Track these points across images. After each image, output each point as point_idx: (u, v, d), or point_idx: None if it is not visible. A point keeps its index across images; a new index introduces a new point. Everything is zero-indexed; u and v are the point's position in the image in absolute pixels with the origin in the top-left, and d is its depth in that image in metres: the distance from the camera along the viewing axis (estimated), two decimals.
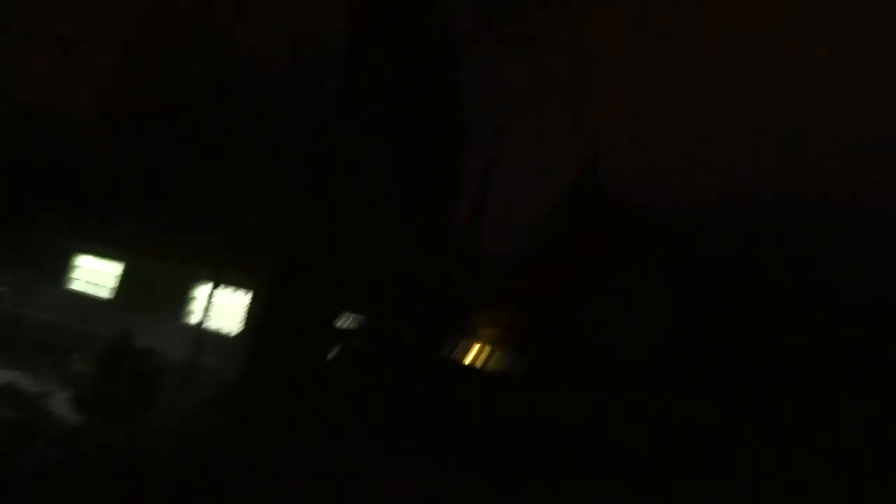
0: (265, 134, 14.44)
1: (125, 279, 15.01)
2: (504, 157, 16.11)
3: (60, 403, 10.41)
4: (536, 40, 11.22)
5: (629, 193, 15.39)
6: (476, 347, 11.78)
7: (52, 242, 14.90)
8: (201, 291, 14.29)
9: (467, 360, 11.96)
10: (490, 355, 11.99)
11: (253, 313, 13.46)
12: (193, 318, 14.20)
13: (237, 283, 13.94)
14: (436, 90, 12.65)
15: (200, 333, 13.15)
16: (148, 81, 16.59)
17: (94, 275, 15.41)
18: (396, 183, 11.24)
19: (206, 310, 13.40)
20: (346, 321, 11.99)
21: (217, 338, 13.66)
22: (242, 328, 13.83)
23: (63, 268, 15.38)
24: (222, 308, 14.06)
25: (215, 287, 13.48)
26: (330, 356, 11.52)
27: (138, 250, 14.78)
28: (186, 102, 15.34)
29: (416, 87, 11.66)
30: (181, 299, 14.39)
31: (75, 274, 15.50)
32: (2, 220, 14.89)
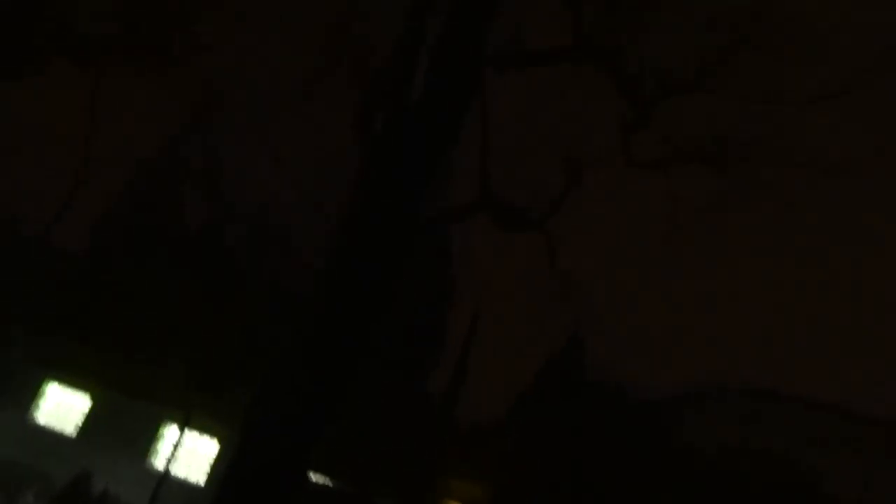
0: (253, 277, 14.79)
1: (92, 413, 14.56)
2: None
3: None
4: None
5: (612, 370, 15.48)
6: None
7: (18, 368, 14.56)
8: (169, 433, 13.95)
9: None
10: None
11: (220, 464, 13.06)
12: (158, 462, 13.77)
13: (206, 428, 13.64)
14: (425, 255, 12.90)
15: (164, 480, 12.66)
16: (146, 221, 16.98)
17: (60, 407, 14.97)
18: (377, 335, 11.26)
19: (172, 454, 13.00)
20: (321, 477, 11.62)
21: (180, 486, 13.16)
22: (207, 479, 13.36)
23: (27, 397, 14.93)
24: (189, 453, 13.68)
25: (183, 430, 13.16)
26: None
27: (108, 383, 14.44)
28: (180, 243, 15.66)
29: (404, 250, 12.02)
30: (147, 440, 13.97)
31: (40, 404, 15.06)
32: None
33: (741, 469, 14.25)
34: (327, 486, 11.79)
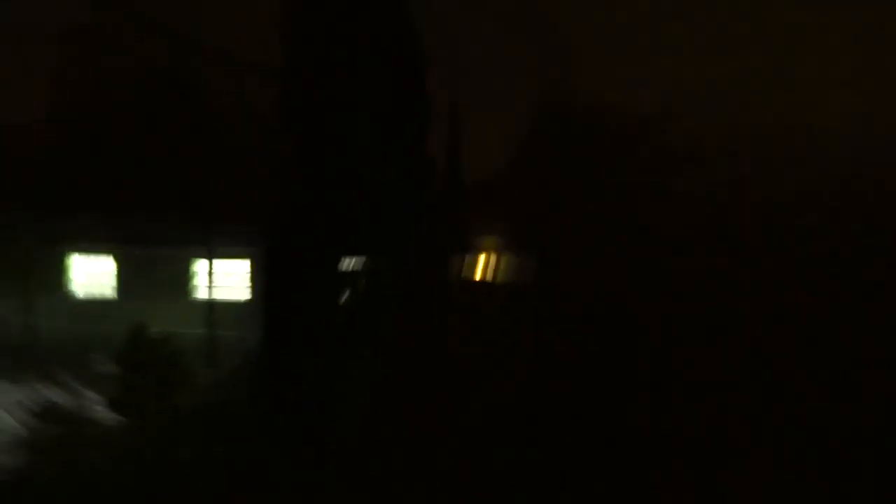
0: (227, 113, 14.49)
1: (121, 272, 15.21)
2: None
3: (94, 408, 10.84)
4: None
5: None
6: (481, 261, 11.94)
7: (43, 249, 15.00)
8: (200, 267, 14.59)
9: (479, 276, 12.09)
10: (498, 264, 12.13)
11: (255, 279, 13.76)
12: (198, 295, 14.45)
13: (233, 253, 14.16)
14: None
15: (211, 309, 13.47)
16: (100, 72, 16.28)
17: (93, 274, 15.60)
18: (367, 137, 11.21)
19: (210, 284, 13.67)
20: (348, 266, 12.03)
21: (227, 309, 13.97)
22: (249, 295, 14.13)
23: (61, 273, 15.58)
24: (225, 278, 14.35)
25: (212, 260, 13.71)
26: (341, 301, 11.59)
27: (130, 241, 14.86)
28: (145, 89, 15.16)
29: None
30: (183, 280, 14.58)
31: (75, 276, 15.71)
32: None
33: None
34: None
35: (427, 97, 12.52)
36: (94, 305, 15.00)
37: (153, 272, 14.68)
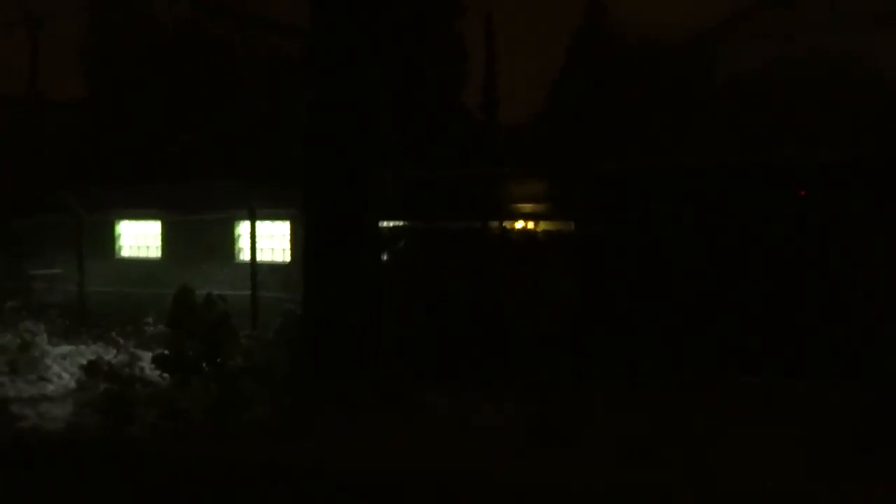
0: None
1: (166, 235, 15.65)
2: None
3: (146, 367, 11.14)
4: None
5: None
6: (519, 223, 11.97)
7: (94, 216, 15.53)
8: (242, 230, 14.90)
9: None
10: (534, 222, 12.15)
11: (297, 241, 13.97)
12: (241, 258, 14.89)
13: (273, 215, 14.43)
14: None
15: (253, 269, 13.72)
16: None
17: (137, 239, 16.14)
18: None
19: (252, 246, 13.97)
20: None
21: (269, 269, 14.27)
22: (291, 258, 14.43)
23: (108, 239, 16.04)
24: (266, 239, 14.68)
25: (254, 224, 14.00)
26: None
27: (172, 205, 15.34)
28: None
29: None
30: (226, 244, 15.01)
31: (120, 243, 16.24)
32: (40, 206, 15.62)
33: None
34: None
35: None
36: (143, 270, 15.53)
37: (198, 236, 15.07)
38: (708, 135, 12.16)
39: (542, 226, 11.49)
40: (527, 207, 11.38)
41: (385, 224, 11.89)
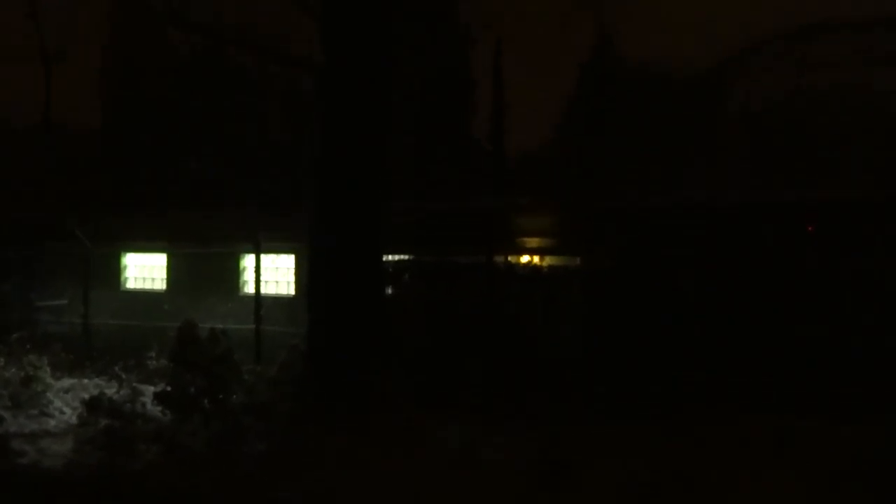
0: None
1: (171, 268, 15.71)
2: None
3: (147, 402, 11.06)
4: None
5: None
6: (526, 258, 11.95)
7: (99, 247, 15.61)
8: (248, 263, 14.95)
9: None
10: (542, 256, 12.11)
11: (300, 272, 13.95)
12: (247, 289, 14.90)
13: (277, 248, 14.43)
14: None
15: (258, 302, 13.78)
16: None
17: (143, 271, 16.19)
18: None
19: (257, 279, 14.01)
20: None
21: (274, 302, 14.28)
22: (296, 291, 14.37)
23: (114, 270, 16.11)
24: (271, 272, 14.71)
25: (258, 257, 14.04)
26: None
27: (178, 236, 15.37)
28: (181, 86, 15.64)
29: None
30: (230, 277, 14.99)
31: (126, 274, 16.28)
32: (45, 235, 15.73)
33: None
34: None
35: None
36: (148, 302, 15.53)
37: (203, 269, 15.07)
38: (721, 169, 12.14)
39: (548, 260, 11.50)
40: (533, 242, 11.38)
41: (389, 258, 11.94)
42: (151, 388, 11.36)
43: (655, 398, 9.95)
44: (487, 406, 10.17)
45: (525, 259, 11.69)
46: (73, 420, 10.87)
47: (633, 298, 10.60)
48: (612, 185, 12.08)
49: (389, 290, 12.01)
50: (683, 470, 7.80)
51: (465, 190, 13.16)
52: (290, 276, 14.74)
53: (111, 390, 11.83)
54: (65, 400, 11.70)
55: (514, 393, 10.30)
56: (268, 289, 14.48)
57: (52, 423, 10.89)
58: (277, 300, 14.37)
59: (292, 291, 14.63)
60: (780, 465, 7.93)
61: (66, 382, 12.55)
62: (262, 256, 14.04)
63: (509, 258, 11.52)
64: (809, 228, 10.17)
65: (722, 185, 11.82)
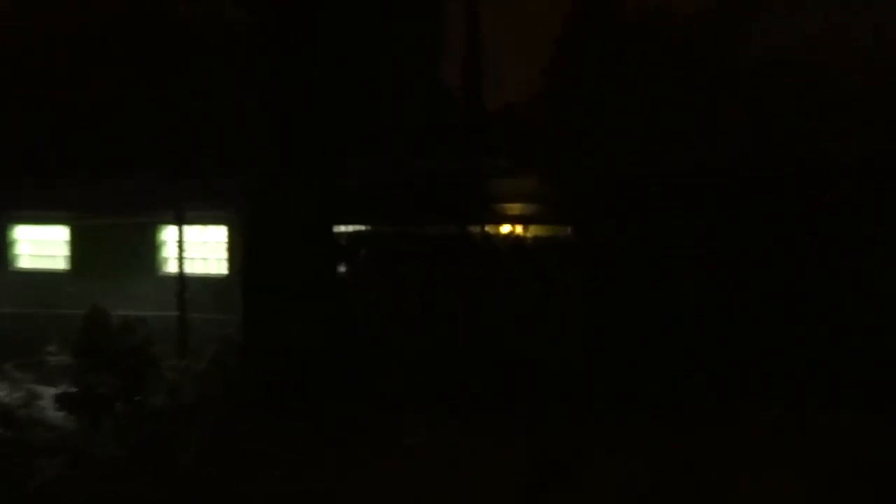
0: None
1: (76, 244, 14.57)
2: None
3: (47, 407, 10.43)
4: None
5: None
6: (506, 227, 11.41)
7: None
8: (169, 236, 14.01)
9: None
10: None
11: (236, 250, 13.20)
12: (167, 270, 14.02)
13: (207, 219, 13.65)
14: None
15: (182, 287, 13.03)
16: None
17: (40, 247, 14.94)
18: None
19: (180, 255, 13.24)
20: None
21: (201, 282, 13.49)
22: (229, 270, 13.61)
23: (6, 248, 14.85)
24: (200, 249, 13.91)
25: (181, 227, 13.23)
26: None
27: (83, 205, 14.29)
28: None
29: None
30: (148, 250, 14.14)
31: (16, 251, 14.99)
32: None
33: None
34: None
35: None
36: (46, 285, 14.33)
37: (114, 244, 14.09)
38: (734, 124, 11.74)
39: (533, 231, 11.00)
40: (515, 208, 10.88)
41: (344, 228, 11.41)
42: (52, 390, 10.78)
43: (665, 390, 9.71)
44: (464, 404, 9.93)
45: (506, 229, 11.15)
46: None
47: (636, 276, 10.22)
48: (605, 141, 11.52)
49: (343, 269, 11.49)
50: (693, 466, 8.05)
51: (435, 148, 12.49)
52: (222, 252, 13.85)
53: (1, 393, 11.28)
54: None
55: (503, 388, 9.90)
56: (194, 267, 13.60)
57: None
58: (206, 281, 13.51)
59: (224, 270, 13.78)
60: (780, 465, 8.17)
61: None
62: (187, 228, 13.28)
63: (486, 228, 10.97)
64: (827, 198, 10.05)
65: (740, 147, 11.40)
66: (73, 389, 10.20)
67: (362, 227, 11.73)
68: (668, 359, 10.11)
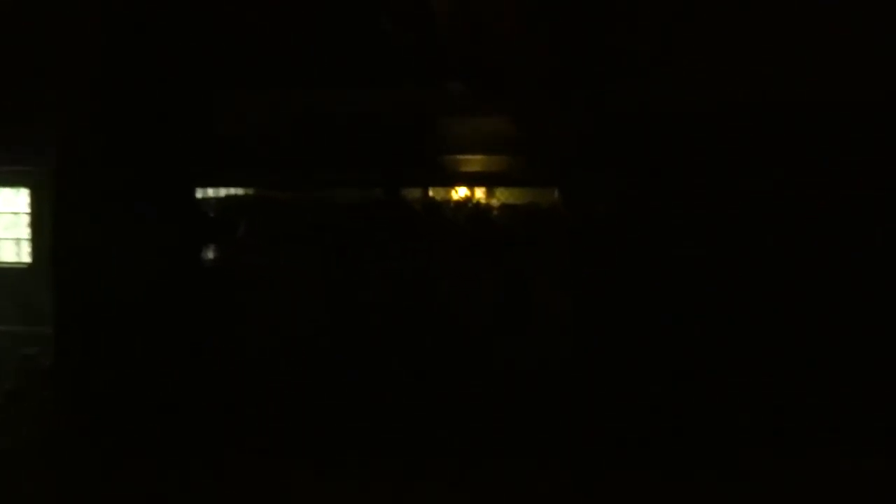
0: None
1: None
2: None
3: None
4: None
5: None
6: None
7: None
8: None
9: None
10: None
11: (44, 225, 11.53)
12: None
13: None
14: None
15: None
16: None
17: None
18: None
19: None
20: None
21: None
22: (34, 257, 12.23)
23: None
24: None
25: None
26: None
27: None
28: None
29: None
30: None
31: None
32: None
33: None
34: None
35: None
36: None
37: None
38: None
39: (500, 196, 9.14)
40: (475, 162, 8.92)
41: (215, 193, 9.84)
42: None
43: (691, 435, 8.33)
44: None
45: (460, 193, 9.27)
46: None
47: (649, 260, 8.46)
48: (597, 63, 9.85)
49: (211, 254, 9.68)
50: None
51: (358, 74, 10.62)
52: (23, 230, 12.28)
53: None
54: None
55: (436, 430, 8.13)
56: None
57: None
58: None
59: (26, 258, 12.27)
60: None
61: None
62: None
63: (431, 193, 9.05)
64: None
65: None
66: None
67: (242, 192, 9.83)
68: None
